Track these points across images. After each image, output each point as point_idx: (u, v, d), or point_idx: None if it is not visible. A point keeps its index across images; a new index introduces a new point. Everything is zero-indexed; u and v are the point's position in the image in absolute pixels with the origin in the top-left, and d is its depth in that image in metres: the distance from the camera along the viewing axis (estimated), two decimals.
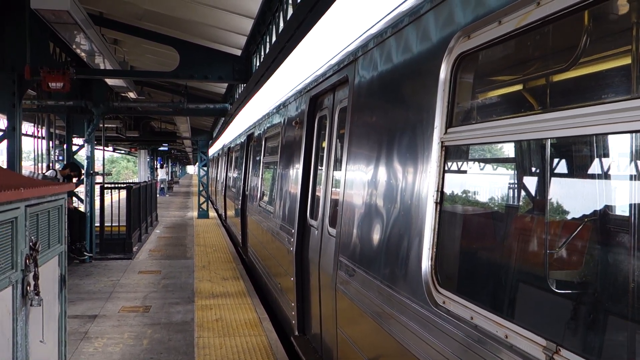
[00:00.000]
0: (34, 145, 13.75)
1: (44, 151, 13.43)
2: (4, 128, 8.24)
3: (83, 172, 11.24)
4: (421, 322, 2.71)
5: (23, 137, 8.43)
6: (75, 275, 9.63)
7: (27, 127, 17.53)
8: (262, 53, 8.48)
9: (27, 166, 16.93)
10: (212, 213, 21.97)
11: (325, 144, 5.23)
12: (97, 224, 11.57)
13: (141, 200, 13.60)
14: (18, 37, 7.79)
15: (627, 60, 1.94)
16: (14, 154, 7.78)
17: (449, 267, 2.89)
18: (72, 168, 10.65)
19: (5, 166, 7.08)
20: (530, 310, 2.59)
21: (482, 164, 3.31)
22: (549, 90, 2.52)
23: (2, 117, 11.20)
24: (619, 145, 2.29)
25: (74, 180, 10.67)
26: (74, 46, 7.93)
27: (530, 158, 3.00)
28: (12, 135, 7.82)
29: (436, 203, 2.73)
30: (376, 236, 3.50)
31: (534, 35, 2.22)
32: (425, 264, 2.73)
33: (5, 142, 7.92)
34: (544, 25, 2.10)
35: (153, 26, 9.76)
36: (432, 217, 2.74)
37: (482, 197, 3.33)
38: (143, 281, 9.39)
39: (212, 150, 31.12)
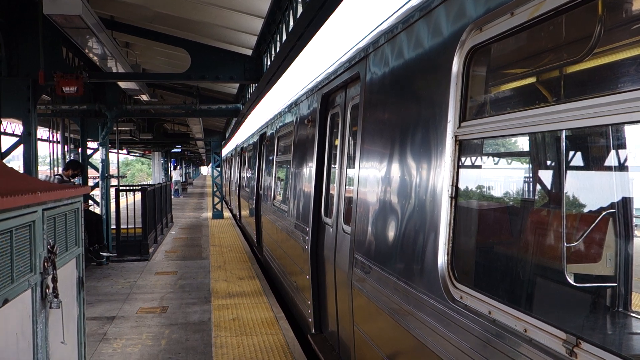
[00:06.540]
0: (49, 149, 13.89)
1: (60, 155, 13.56)
2: (19, 133, 8.33)
3: (101, 173, 11.37)
4: (438, 318, 2.70)
5: (38, 142, 8.50)
6: (92, 278, 9.74)
7: (42, 132, 17.78)
8: (273, 52, 8.48)
9: (43, 170, 17.12)
10: (226, 213, 22.05)
11: (338, 142, 5.23)
12: (113, 227, 11.68)
13: (156, 202, 13.69)
14: (31, 43, 7.88)
15: None
16: (30, 159, 7.88)
17: (466, 262, 2.88)
18: (73, 167, 10.75)
19: (22, 171, 7.17)
20: (549, 304, 2.57)
21: (496, 158, 3.29)
22: (563, 82, 2.49)
23: (18, 123, 11.33)
24: (636, 135, 2.26)
25: (79, 177, 10.84)
26: (86, 50, 7.99)
27: (545, 150, 2.97)
28: (28, 140, 7.92)
29: (451, 198, 2.71)
30: (391, 232, 3.48)
31: (547, 26, 2.19)
32: (442, 259, 2.72)
33: (21, 147, 8.02)
34: (558, 15, 2.07)
35: (164, 28, 9.80)
36: (447, 212, 2.73)
37: (497, 191, 3.30)
38: (160, 282, 9.46)
39: (225, 151, 31.28)
